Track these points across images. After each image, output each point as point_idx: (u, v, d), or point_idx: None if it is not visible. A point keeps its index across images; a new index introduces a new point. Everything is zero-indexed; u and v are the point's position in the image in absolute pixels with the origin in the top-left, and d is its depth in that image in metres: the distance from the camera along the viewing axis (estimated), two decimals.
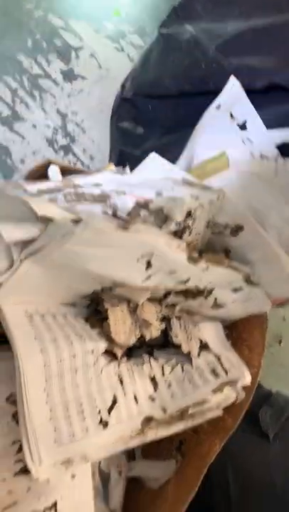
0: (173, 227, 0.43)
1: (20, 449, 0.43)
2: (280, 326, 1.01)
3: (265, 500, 0.56)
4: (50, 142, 0.80)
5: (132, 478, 0.61)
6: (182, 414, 0.49)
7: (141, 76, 0.67)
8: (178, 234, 0.46)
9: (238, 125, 0.59)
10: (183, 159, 0.61)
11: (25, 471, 0.42)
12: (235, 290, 0.53)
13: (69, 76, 0.81)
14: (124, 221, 0.39)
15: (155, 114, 0.65)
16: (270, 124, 0.57)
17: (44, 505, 0.42)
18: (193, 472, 0.51)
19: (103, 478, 0.57)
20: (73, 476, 0.44)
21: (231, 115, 0.59)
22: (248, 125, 0.58)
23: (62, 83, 0.81)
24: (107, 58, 0.85)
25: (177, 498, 0.51)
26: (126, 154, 0.60)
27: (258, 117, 0.58)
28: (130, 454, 0.65)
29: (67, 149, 0.80)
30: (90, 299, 0.51)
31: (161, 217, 0.42)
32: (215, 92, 0.59)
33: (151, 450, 0.65)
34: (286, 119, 0.56)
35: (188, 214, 0.43)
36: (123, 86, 0.70)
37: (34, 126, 0.79)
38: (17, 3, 0.82)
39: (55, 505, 0.42)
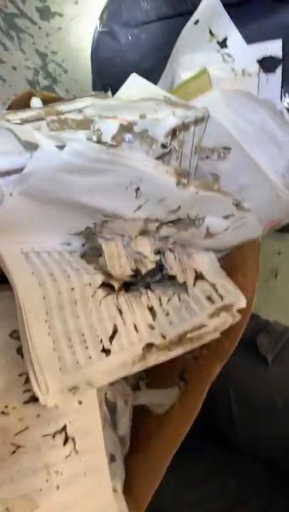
0: (159, 150, 0.43)
1: (27, 380, 0.44)
2: (276, 260, 1.03)
3: (267, 417, 0.59)
4: (32, 84, 0.79)
5: (139, 407, 0.64)
6: (181, 339, 0.51)
7: (118, 5, 0.65)
8: (165, 158, 0.46)
9: (218, 42, 0.58)
10: (163, 80, 0.60)
11: (33, 399, 0.44)
12: (227, 217, 0.53)
13: (46, 14, 0.78)
14: (110, 146, 0.39)
15: (135, 43, 0.64)
16: (249, 38, 0.56)
17: (54, 429, 0.44)
18: (196, 395, 0.54)
19: (110, 407, 0.59)
20: (80, 402, 0.46)
21: (211, 32, 0.57)
22: (228, 41, 0.57)
23: (39, 22, 0.78)
24: None
25: (182, 420, 0.53)
26: (109, 86, 0.59)
27: (238, 32, 0.56)
28: (135, 386, 0.68)
29: (49, 90, 0.78)
30: (84, 237, 0.52)
31: (147, 141, 0.42)
32: (193, 13, 0.57)
33: (155, 381, 0.68)
34: (265, 32, 0.55)
35: (173, 134, 0.43)
36: (101, 18, 0.68)
37: (14, 68, 0.77)
38: None
39: (64, 428, 0.44)
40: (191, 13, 0.57)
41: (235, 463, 0.63)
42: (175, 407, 0.59)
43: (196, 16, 0.58)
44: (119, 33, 0.64)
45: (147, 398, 0.63)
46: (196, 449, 0.60)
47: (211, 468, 0.62)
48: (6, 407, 0.43)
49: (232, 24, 0.57)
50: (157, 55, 0.62)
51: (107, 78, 0.68)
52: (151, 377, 0.69)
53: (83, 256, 0.52)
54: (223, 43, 0.57)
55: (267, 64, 0.55)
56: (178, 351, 0.50)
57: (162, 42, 0.61)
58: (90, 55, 0.71)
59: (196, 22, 0.58)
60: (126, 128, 0.41)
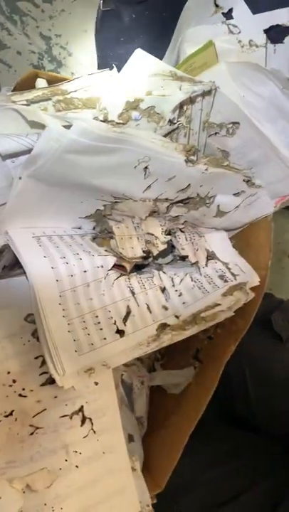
0: (167, 126, 0.42)
1: (43, 363, 0.45)
2: (288, 239, 1.02)
3: (283, 393, 0.59)
4: (37, 68, 0.77)
5: (156, 389, 0.64)
6: (195, 319, 0.51)
7: None
8: (173, 136, 0.45)
9: (223, 13, 0.56)
10: (169, 55, 0.59)
11: (50, 381, 0.44)
12: (237, 194, 0.52)
13: None
14: (117, 124, 0.39)
15: (139, 20, 0.63)
16: (256, 8, 0.54)
17: (71, 410, 0.44)
18: (211, 374, 0.54)
19: (127, 389, 0.60)
20: (96, 383, 0.46)
21: (215, 3, 0.56)
22: (233, 12, 0.56)
23: (41, 4, 0.77)
24: None
25: (198, 399, 0.53)
26: (114, 66, 0.58)
27: (244, 2, 0.55)
28: (151, 367, 0.68)
29: None
30: (95, 220, 0.52)
31: (154, 117, 0.41)
32: None
33: (170, 362, 0.68)
34: (272, 0, 0.53)
35: (181, 109, 0.42)
36: None
37: (19, 53, 0.76)
38: None
39: (81, 409, 0.45)
40: None
41: (250, 444, 0.63)
42: (191, 386, 0.59)
43: None
44: (123, 11, 0.63)
45: (163, 379, 0.63)
46: (212, 431, 0.60)
47: (226, 449, 0.62)
48: (24, 389, 0.44)
49: None
50: (162, 30, 0.61)
51: (112, 58, 0.67)
52: (167, 358, 0.69)
53: (94, 239, 0.52)
54: (228, 14, 0.56)
55: (274, 33, 0.53)
56: (192, 331, 0.50)
57: (166, 17, 0.60)
58: (94, 35, 0.70)
59: None
60: (132, 105, 0.40)
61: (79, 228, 0.52)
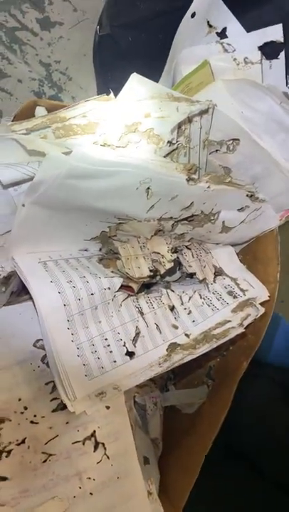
0: (166, 147, 0.42)
1: (54, 388, 0.45)
2: None
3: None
4: (38, 95, 0.79)
5: (170, 409, 0.63)
6: (205, 337, 0.50)
7: (115, 7, 0.65)
8: (174, 156, 0.45)
9: (217, 33, 0.57)
10: (165, 77, 0.60)
11: (62, 407, 0.44)
12: (242, 209, 0.52)
13: (46, 24, 0.79)
14: (116, 148, 0.39)
15: (136, 43, 0.64)
16: (250, 26, 0.55)
17: (83, 435, 0.44)
18: (225, 392, 0.53)
19: (140, 410, 0.59)
20: (108, 407, 0.45)
21: (209, 24, 0.57)
22: (227, 31, 0.56)
23: (40, 32, 0.78)
24: (81, 0, 0.82)
25: (213, 417, 0.53)
26: (113, 89, 0.59)
27: (237, 21, 0.55)
28: (164, 387, 0.67)
29: (55, 100, 0.79)
30: (101, 241, 0.52)
31: (153, 139, 0.41)
32: (189, 6, 0.56)
33: (184, 381, 0.67)
34: (265, 18, 0.54)
35: (179, 129, 0.43)
36: (100, 23, 0.68)
37: (20, 81, 0.78)
38: None
39: (93, 434, 0.44)
40: (187, 6, 0.56)
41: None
42: (205, 405, 0.58)
43: (192, 8, 0.57)
44: (119, 35, 0.64)
45: (177, 399, 0.62)
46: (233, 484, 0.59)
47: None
48: (35, 416, 0.43)
49: (230, 13, 0.56)
50: (159, 52, 0.62)
51: (110, 81, 0.68)
52: (180, 377, 0.68)
53: (101, 260, 0.52)
54: (222, 34, 0.57)
55: (269, 50, 0.54)
56: (203, 349, 0.49)
57: (163, 39, 0.61)
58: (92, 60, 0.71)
59: (193, 15, 0.57)
60: (131, 128, 0.41)
61: (86, 250, 0.52)
